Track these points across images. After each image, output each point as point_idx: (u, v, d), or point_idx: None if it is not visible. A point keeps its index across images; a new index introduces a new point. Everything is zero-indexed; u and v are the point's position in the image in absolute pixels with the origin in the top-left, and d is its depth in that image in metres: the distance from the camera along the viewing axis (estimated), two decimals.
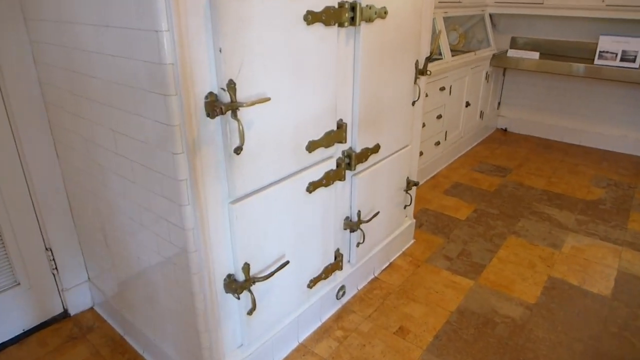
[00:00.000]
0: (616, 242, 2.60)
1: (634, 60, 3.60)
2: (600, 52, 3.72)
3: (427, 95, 2.98)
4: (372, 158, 1.87)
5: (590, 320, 1.99)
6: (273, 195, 1.42)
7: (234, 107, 1.16)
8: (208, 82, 1.14)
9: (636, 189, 3.30)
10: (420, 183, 3.27)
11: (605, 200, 3.11)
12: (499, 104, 4.59)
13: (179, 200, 1.18)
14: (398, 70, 1.91)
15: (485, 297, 2.12)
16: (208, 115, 1.16)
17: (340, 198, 1.78)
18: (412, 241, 2.54)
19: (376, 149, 1.88)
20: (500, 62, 4.11)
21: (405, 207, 2.32)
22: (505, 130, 4.60)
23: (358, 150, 1.77)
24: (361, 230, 1.90)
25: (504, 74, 4.48)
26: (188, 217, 1.20)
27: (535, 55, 3.94)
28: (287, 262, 1.50)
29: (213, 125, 1.19)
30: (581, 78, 4.01)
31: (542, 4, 3.85)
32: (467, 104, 3.74)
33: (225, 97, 1.17)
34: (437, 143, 3.36)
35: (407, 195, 2.28)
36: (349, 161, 1.74)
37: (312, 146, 1.51)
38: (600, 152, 4.04)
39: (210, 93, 1.16)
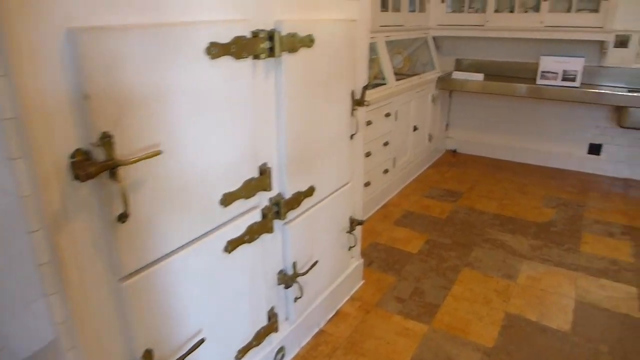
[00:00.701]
0: (570, 268, 2.50)
1: (574, 80, 3.63)
2: (542, 72, 3.73)
3: (370, 123, 2.84)
4: (306, 202, 1.67)
5: None
6: (179, 264, 1.18)
7: (111, 166, 0.93)
8: (74, 137, 0.91)
9: (584, 208, 3.26)
10: (370, 214, 3.10)
11: (556, 221, 3.05)
12: (447, 125, 4.55)
13: (40, 288, 0.92)
14: (332, 102, 1.73)
15: (440, 344, 1.94)
16: (77, 178, 0.91)
17: (270, 252, 1.56)
18: (362, 282, 2.35)
19: (310, 191, 1.68)
20: (445, 85, 4.06)
21: (350, 249, 2.12)
22: (455, 151, 4.55)
23: (288, 196, 1.56)
24: (298, 283, 1.68)
25: (450, 96, 4.45)
26: (56, 308, 0.94)
27: (480, 76, 3.91)
28: (202, 340, 1.26)
29: (86, 190, 0.95)
30: (526, 98, 4.02)
31: (483, 26, 3.85)
32: (415, 128, 3.64)
33: (101, 155, 0.93)
34: (386, 171, 3.22)
35: (352, 236, 2.09)
36: (278, 210, 1.52)
37: (228, 199, 1.29)
38: (549, 170, 4.04)
39: (78, 150, 0.92)
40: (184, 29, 1.08)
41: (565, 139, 4.05)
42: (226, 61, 1.20)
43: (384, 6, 3.28)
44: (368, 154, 2.88)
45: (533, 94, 3.73)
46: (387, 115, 3.10)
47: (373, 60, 3.26)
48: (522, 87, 3.72)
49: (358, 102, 1.90)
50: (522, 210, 3.20)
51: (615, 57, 3.65)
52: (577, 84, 3.62)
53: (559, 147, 4.10)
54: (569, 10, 3.58)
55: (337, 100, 1.77)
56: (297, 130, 1.55)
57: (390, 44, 3.47)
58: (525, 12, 3.75)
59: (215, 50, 1.16)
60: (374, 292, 2.28)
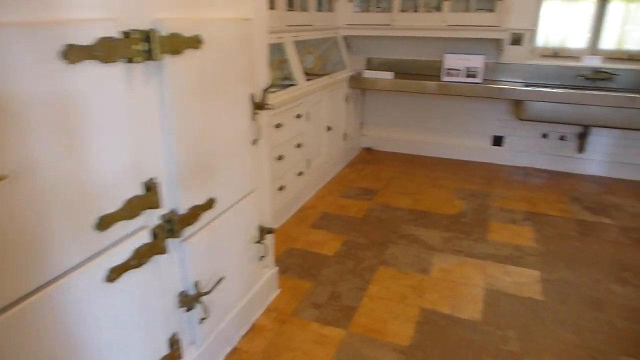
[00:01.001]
0: (479, 257, 2.60)
1: (476, 76, 3.81)
2: (446, 69, 3.88)
3: (281, 126, 2.76)
4: (206, 216, 1.55)
5: (465, 354, 1.88)
6: (46, 304, 1.01)
7: None
8: None
9: (490, 197, 3.44)
10: (286, 219, 3.02)
11: (466, 212, 3.17)
12: (362, 124, 4.60)
13: None
14: (228, 107, 1.63)
15: (358, 349, 1.91)
16: None
17: (166, 274, 1.42)
18: (278, 291, 2.26)
19: (210, 204, 1.56)
20: (357, 84, 4.09)
21: (261, 259, 2.03)
22: (370, 149, 4.61)
23: (183, 211, 1.43)
24: (203, 303, 1.56)
25: (363, 95, 4.50)
26: None
27: (390, 75, 3.99)
28: None
29: None
30: (434, 94, 4.16)
31: (390, 25, 3.92)
32: (329, 128, 3.62)
33: None
34: (300, 173, 3.16)
35: (262, 245, 1.99)
36: (172, 228, 1.39)
37: (105, 222, 1.14)
38: (459, 163, 4.22)
39: None
40: (31, 29, 0.92)
41: (472, 132, 4.26)
42: (90, 66, 1.06)
43: (291, 5, 3.22)
44: (280, 157, 2.80)
45: (440, 90, 3.87)
46: (299, 116, 3.04)
47: (282, 61, 3.18)
48: (430, 85, 3.85)
49: (259, 106, 1.81)
50: (434, 204, 3.30)
51: (511, 54, 3.88)
52: (479, 80, 3.81)
53: (466, 140, 4.30)
54: (468, 10, 3.74)
55: (234, 104, 1.66)
56: (189, 139, 1.43)
57: (300, 44, 3.41)
58: (429, 11, 3.87)
59: (74, 54, 1.01)
60: (290, 300, 2.21)
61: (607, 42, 3.77)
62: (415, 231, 2.89)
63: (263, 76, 1.87)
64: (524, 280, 2.39)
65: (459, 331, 2.02)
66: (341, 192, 3.50)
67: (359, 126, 4.52)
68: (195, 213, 1.48)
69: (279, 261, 2.48)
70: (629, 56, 3.75)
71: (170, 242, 1.41)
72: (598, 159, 3.95)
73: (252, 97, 1.77)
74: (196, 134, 1.46)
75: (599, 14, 3.70)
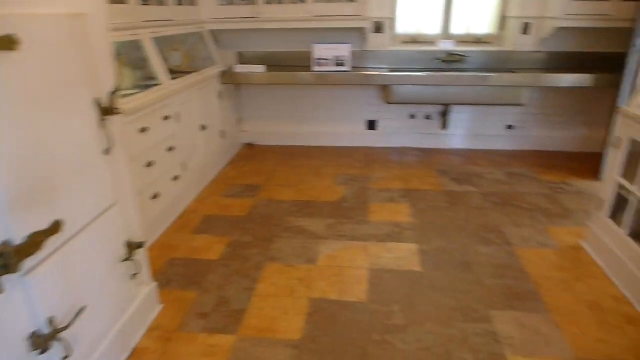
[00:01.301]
0: (362, 239, 2.70)
1: (345, 64, 3.92)
2: (316, 59, 3.94)
3: (147, 130, 2.56)
4: (53, 241, 1.36)
5: (354, 336, 1.93)
6: None
7: None
8: None
9: (369, 180, 3.59)
10: (165, 228, 2.84)
11: (347, 197, 3.27)
12: (240, 119, 4.50)
13: None
14: (67, 116, 1.44)
15: (250, 352, 1.85)
16: None
17: (6, 317, 1.22)
18: (160, 308, 2.11)
19: (56, 228, 1.37)
20: (230, 79, 3.98)
21: (135, 276, 1.86)
22: (251, 144, 4.55)
23: (20, 240, 1.23)
24: (63, 340, 1.38)
25: (238, 90, 4.40)
26: None
27: (262, 68, 3.94)
28: None
29: None
30: (308, 85, 4.21)
31: (257, 18, 3.86)
32: (203, 127, 3.47)
33: None
34: (176, 178, 2.98)
35: (133, 262, 1.83)
36: (6, 262, 1.19)
37: None
38: (338, 150, 4.34)
39: None
40: None
41: (347, 118, 4.40)
42: None
43: None
44: (150, 164, 2.61)
45: (313, 80, 3.92)
46: (167, 118, 2.85)
47: (142, 59, 2.96)
48: (303, 75, 3.88)
49: (107, 111, 1.63)
50: (317, 193, 3.35)
51: (374, 41, 4.06)
52: (348, 68, 3.93)
53: (343, 127, 4.43)
54: (331, 1, 3.82)
55: (74, 112, 1.48)
56: (16, 156, 1.23)
57: (162, 41, 3.20)
58: (294, 3, 3.87)
59: None
60: (174, 314, 2.08)
61: (458, 28, 4.12)
62: (300, 222, 2.91)
63: (109, 78, 1.69)
64: (403, 255, 2.53)
65: (348, 314, 2.06)
66: (223, 192, 3.39)
67: (236, 122, 4.42)
68: (36, 241, 1.29)
69: (159, 274, 2.32)
70: (476, 39, 4.15)
71: (8, 279, 1.21)
72: (460, 133, 4.34)
73: (98, 102, 1.60)
74: (25, 150, 1.27)
75: (448, 2, 4.03)
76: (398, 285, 2.27)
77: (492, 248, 2.60)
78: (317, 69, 3.94)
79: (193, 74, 3.40)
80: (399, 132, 4.38)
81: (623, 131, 2.32)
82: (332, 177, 3.64)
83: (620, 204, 2.36)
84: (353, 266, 2.43)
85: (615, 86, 3.39)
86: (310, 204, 3.17)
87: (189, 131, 3.23)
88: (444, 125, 4.29)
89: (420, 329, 1.97)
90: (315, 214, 3.02)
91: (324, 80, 3.93)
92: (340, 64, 3.96)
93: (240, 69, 3.99)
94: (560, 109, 4.21)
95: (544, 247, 2.61)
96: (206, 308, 2.11)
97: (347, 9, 3.78)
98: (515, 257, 2.50)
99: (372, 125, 4.39)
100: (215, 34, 4.07)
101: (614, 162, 2.37)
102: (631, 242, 2.21)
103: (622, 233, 2.29)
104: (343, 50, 3.94)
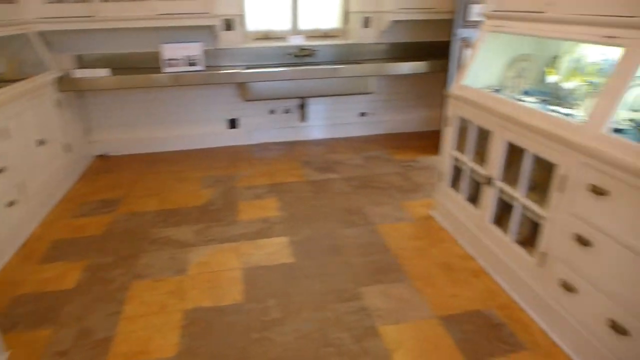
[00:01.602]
0: (233, 240, 2.66)
1: (198, 64, 3.80)
2: (166, 60, 3.75)
3: None
4: None
5: (233, 339, 1.90)
6: None
7: None
8: None
9: (235, 179, 3.55)
10: (4, 261, 2.47)
11: (214, 200, 3.19)
12: (88, 129, 4.09)
13: None
14: None
15: None
16: None
17: None
18: (6, 355, 1.83)
19: None
20: (69, 86, 3.59)
21: None
22: (105, 155, 4.17)
23: None
24: None
25: (82, 97, 3.98)
26: None
27: (105, 72, 3.63)
28: None
29: None
30: (162, 87, 4.00)
31: (94, 17, 3.52)
32: (41, 142, 3.07)
33: None
34: (12, 203, 2.60)
35: None
36: None
37: None
38: (201, 152, 4.21)
39: None
40: None
41: (207, 119, 4.28)
42: None
43: None
44: None
45: (166, 82, 3.73)
46: None
47: None
48: (155, 77, 3.67)
49: None
50: (182, 199, 3.21)
51: (226, 39, 4.00)
52: (201, 67, 3.82)
53: (204, 128, 4.31)
54: None
55: None
56: None
57: None
58: (135, 0, 3.62)
59: None
60: (26, 359, 1.82)
61: (306, 23, 4.25)
62: (167, 232, 2.77)
63: None
64: (275, 249, 2.56)
65: (225, 319, 2.03)
66: (75, 212, 3.06)
67: (84, 133, 4.01)
68: None
69: (1, 317, 2.02)
70: (324, 34, 4.34)
71: None
72: (318, 124, 4.52)
73: None
74: None
75: None
76: (272, 279, 2.30)
77: (356, 229, 2.77)
78: (168, 70, 3.75)
79: (21, 82, 2.98)
80: (260, 128, 4.40)
81: (452, 110, 2.63)
82: (197, 181, 3.53)
83: (457, 173, 2.69)
84: (226, 269, 2.39)
85: (445, 71, 3.84)
86: (175, 211, 3.03)
87: (23, 148, 2.83)
88: (303, 118, 4.43)
89: (297, 318, 2.02)
90: (182, 221, 2.89)
91: (178, 82, 3.76)
92: (192, 63, 3.82)
93: (80, 73, 3.62)
94: (404, 94, 4.63)
95: (400, 221, 2.86)
96: (64, 344, 1.89)
97: (194, 6, 3.65)
98: (377, 234, 2.70)
99: (233, 123, 4.35)
100: (45, 35, 3.62)
101: (448, 138, 2.69)
102: (468, 206, 2.54)
103: (460, 198, 2.62)
104: (194, 50, 3.82)
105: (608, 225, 1.60)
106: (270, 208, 3.05)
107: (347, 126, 4.58)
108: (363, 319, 2.01)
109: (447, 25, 3.74)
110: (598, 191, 1.62)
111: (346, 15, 4.28)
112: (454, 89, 2.59)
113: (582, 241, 1.71)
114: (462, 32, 3.61)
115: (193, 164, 3.90)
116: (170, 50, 3.78)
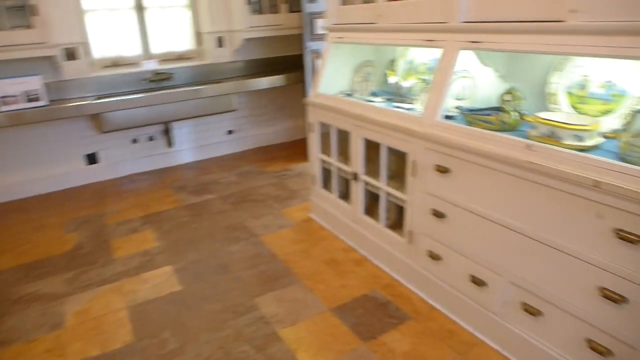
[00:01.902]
0: (113, 280, 2.50)
1: (39, 99, 3.46)
2: (0, 97, 3.34)
3: None
4: None
5: None
6: None
7: None
8: None
9: (106, 216, 3.32)
10: None
11: (83, 242, 2.95)
12: None
13: None
14: None
15: None
16: None
17: None
18: None
19: None
20: None
21: None
22: None
23: None
24: None
25: None
26: None
27: None
28: None
29: None
30: (5, 128, 3.55)
31: None
32: None
33: None
34: None
35: None
36: None
37: None
38: (61, 194, 3.83)
39: None
40: None
41: (61, 157, 3.92)
42: None
43: None
44: None
45: (4, 122, 3.32)
46: None
47: None
48: None
49: None
50: (43, 249, 2.90)
51: (70, 69, 3.71)
52: (44, 102, 3.49)
53: (60, 167, 3.93)
54: (1, 28, 3.29)
55: None
56: None
57: None
58: None
59: None
60: None
61: (158, 47, 4.14)
62: (32, 287, 2.48)
63: None
64: (160, 280, 2.47)
65: None
66: None
67: None
68: None
69: None
70: (178, 56, 4.28)
71: None
72: (187, 147, 4.43)
73: None
74: None
75: (141, 21, 4.01)
76: (163, 311, 2.22)
77: (241, 244, 2.80)
78: (4, 108, 3.36)
79: None
80: (124, 159, 4.16)
81: (312, 117, 2.82)
82: (59, 226, 3.21)
83: (327, 175, 2.88)
84: (110, 311, 2.23)
85: (302, 82, 4.07)
86: (38, 263, 2.72)
87: None
88: (170, 143, 4.30)
89: (196, 342, 1.98)
90: (48, 272, 2.62)
91: (19, 120, 3.38)
92: (32, 99, 3.47)
93: None
94: (267, 108, 4.78)
95: (283, 229, 2.96)
96: None
97: (28, 36, 3.33)
98: (263, 245, 2.77)
99: (92, 158, 4.04)
100: None
101: (313, 143, 2.87)
102: (341, 202, 2.74)
103: (333, 197, 2.81)
104: (32, 83, 3.47)
105: (454, 197, 1.89)
106: (148, 240, 2.91)
107: (216, 145, 4.57)
108: (262, 327, 2.05)
109: (298, 39, 3.98)
110: (442, 170, 1.90)
111: (198, 36, 4.28)
112: (311, 97, 2.78)
113: (438, 214, 1.99)
114: (312, 45, 3.87)
115: (52, 208, 3.54)
116: (5, 86, 3.39)
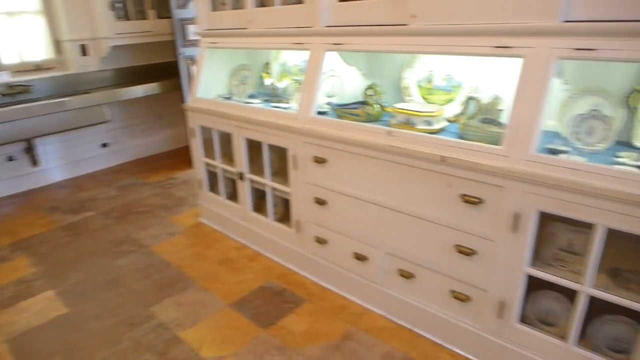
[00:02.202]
0: None
1: None
2: None
3: None
4: None
5: None
6: None
7: None
8: None
9: None
10: None
11: None
12: None
13: None
14: None
15: None
16: None
17: None
18: None
19: None
20: None
21: None
22: None
23: None
24: None
25: None
26: None
27: None
28: None
29: None
30: None
31: None
32: None
33: None
34: None
35: None
36: None
37: None
38: None
39: None
40: None
41: None
42: None
43: None
44: None
45: None
46: None
47: None
48: None
49: None
50: None
51: None
52: None
53: None
54: None
55: None
56: None
57: None
58: None
59: None
60: None
61: (11, 56, 3.76)
62: None
63: None
64: (42, 306, 2.30)
65: None
66: None
67: None
68: None
69: None
70: (36, 67, 3.93)
71: None
72: (56, 165, 4.09)
73: None
74: None
75: None
76: (50, 337, 2.08)
77: (130, 257, 2.72)
78: None
79: None
80: None
81: (192, 122, 2.84)
82: None
83: (213, 178, 2.93)
84: None
85: (179, 88, 4.02)
86: None
87: None
88: (35, 162, 3.94)
89: None
90: None
91: None
92: None
93: None
94: (144, 117, 4.61)
95: (174, 236, 2.93)
96: None
97: None
98: (154, 254, 2.72)
99: None
100: None
101: (196, 148, 2.89)
102: (230, 203, 2.81)
103: (221, 199, 2.87)
104: None
105: (332, 184, 2.09)
106: (21, 267, 2.67)
107: (90, 160, 4.29)
108: (162, 333, 2.04)
109: (171, 46, 3.92)
110: (319, 160, 2.09)
111: (58, 44, 3.98)
112: (189, 102, 2.80)
113: (320, 202, 2.17)
114: (186, 51, 3.85)
115: None
116: None
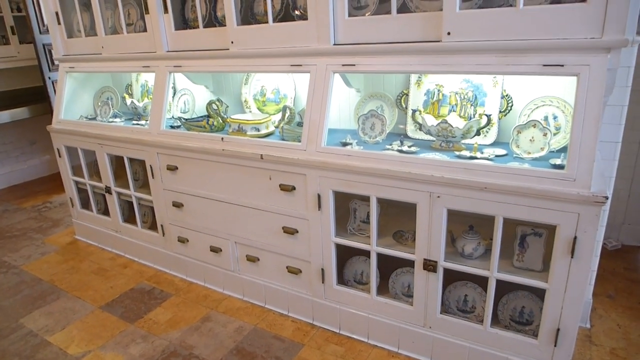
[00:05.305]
0: None
1: None
2: None
3: None
4: None
5: None
6: None
7: None
8: None
9: None
10: None
11: None
12: None
13: None
14: None
15: None
16: None
17: None
18: None
19: None
20: None
21: None
22: None
23: None
24: None
25: None
26: None
27: None
28: None
29: None
30: None
31: None
32: None
33: None
34: None
35: None
36: None
37: None
38: None
39: None
40: None
41: None
42: None
43: None
44: None
45: None
46: None
47: None
48: None
49: None
50: None
51: None
52: None
53: None
54: None
55: None
56: None
57: None
58: None
59: None
60: None
61: None
62: None
63: None
64: None
65: None
66: None
67: None
68: None
69: None
70: None
71: None
72: None
73: None
74: None
75: None
76: None
77: None
78: None
79: None
80: None
81: (56, 143, 2.98)
82: None
83: (85, 195, 3.07)
84: None
85: (50, 112, 4.05)
86: None
87: None
88: None
89: None
90: None
91: None
92: None
93: None
94: (15, 144, 4.53)
95: (47, 255, 3.02)
96: None
97: None
98: (25, 273, 2.80)
99: None
100: None
101: (63, 168, 3.02)
102: (102, 217, 2.97)
103: (93, 214, 3.02)
104: None
105: (184, 187, 2.38)
106: None
107: None
108: (31, 340, 2.18)
109: (38, 70, 3.95)
110: (171, 168, 2.38)
111: None
112: (53, 124, 2.94)
113: (177, 205, 2.46)
114: (54, 75, 3.92)
115: None
116: None
